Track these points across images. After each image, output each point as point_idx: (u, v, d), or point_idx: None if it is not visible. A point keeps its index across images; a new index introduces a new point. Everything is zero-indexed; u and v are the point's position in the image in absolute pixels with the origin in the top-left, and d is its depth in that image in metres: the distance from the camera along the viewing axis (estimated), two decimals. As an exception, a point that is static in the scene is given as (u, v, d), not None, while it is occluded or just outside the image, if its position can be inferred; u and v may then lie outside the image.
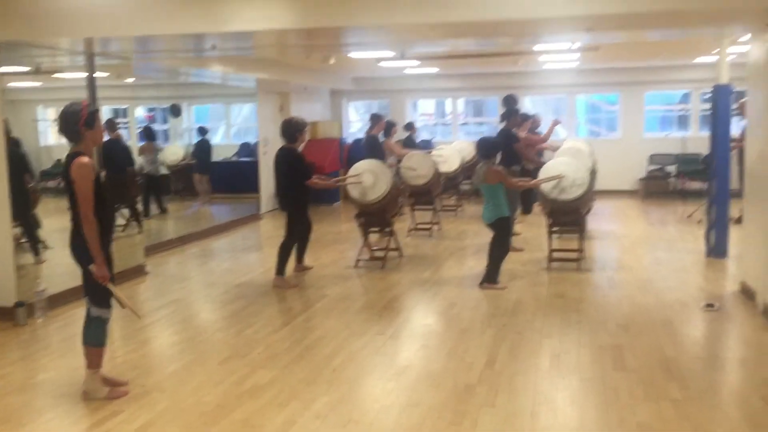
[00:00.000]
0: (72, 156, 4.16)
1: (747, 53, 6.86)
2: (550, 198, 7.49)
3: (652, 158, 14.23)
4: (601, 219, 10.90)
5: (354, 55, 9.79)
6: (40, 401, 4.49)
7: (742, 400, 4.26)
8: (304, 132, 7.34)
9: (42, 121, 11.56)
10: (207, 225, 11.36)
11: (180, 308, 6.73)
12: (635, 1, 5.03)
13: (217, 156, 13.14)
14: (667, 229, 10.25)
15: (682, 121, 15.24)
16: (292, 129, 7.24)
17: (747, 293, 6.38)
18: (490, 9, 5.24)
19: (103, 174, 4.34)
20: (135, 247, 8.48)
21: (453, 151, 11.68)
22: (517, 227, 9.03)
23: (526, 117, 10.25)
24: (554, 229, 7.86)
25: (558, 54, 10.64)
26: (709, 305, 6.17)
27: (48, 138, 11.55)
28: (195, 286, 7.68)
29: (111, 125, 10.17)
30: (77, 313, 6.09)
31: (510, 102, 9.45)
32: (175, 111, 12.69)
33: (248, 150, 13.71)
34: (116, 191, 9.18)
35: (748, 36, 6.75)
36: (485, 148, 7.05)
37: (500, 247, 7.04)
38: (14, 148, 7.20)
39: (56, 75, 9.41)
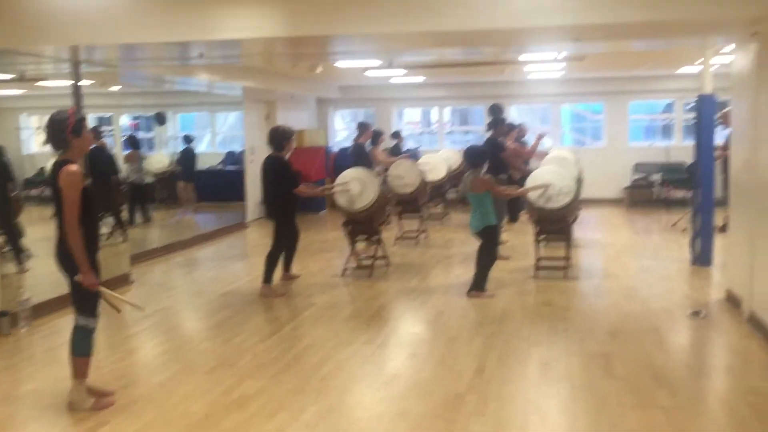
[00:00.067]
0: (60, 164, 4.12)
1: (731, 63, 6.94)
2: (536, 206, 7.51)
3: (637, 167, 14.34)
4: (587, 227, 10.95)
5: (341, 64, 9.80)
6: (25, 412, 4.42)
7: (730, 408, 4.28)
8: (291, 140, 7.33)
9: (25, 129, 11.46)
10: (192, 234, 11.29)
11: (166, 317, 6.67)
12: (622, 11, 5.06)
13: (202, 164, 13.08)
14: (652, 238, 10.31)
15: (666, 131, 15.39)
16: (279, 137, 7.23)
17: (732, 301, 6.44)
18: (478, 18, 5.25)
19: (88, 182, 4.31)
20: (120, 255, 8.40)
21: (439, 159, 11.70)
22: (503, 235, 9.05)
23: (512, 126, 10.31)
24: (541, 237, 7.89)
25: (544, 64, 10.71)
26: (696, 313, 6.21)
27: (31, 146, 11.46)
28: (181, 295, 7.62)
29: (96, 133, 10.09)
30: (61, 323, 6.04)
31: (496, 111, 9.49)
32: (160, 119, 12.62)
33: (234, 158, 13.67)
34: (101, 200, 9.09)
35: (732, 46, 6.83)
36: (472, 156, 7.07)
37: (488, 255, 7.05)
38: (-2, 156, 7.13)
39: (40, 83, 9.33)
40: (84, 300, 4.27)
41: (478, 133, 15.15)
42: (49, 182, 4.21)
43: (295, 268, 7.93)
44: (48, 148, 4.24)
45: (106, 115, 12.31)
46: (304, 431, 3.99)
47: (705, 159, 8.02)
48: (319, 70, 10.39)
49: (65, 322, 5.68)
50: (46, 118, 4.21)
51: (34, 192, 10.24)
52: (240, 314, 6.56)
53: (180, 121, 13.77)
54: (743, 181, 6.28)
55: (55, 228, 4.23)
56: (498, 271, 7.48)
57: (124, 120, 13.00)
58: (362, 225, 8.04)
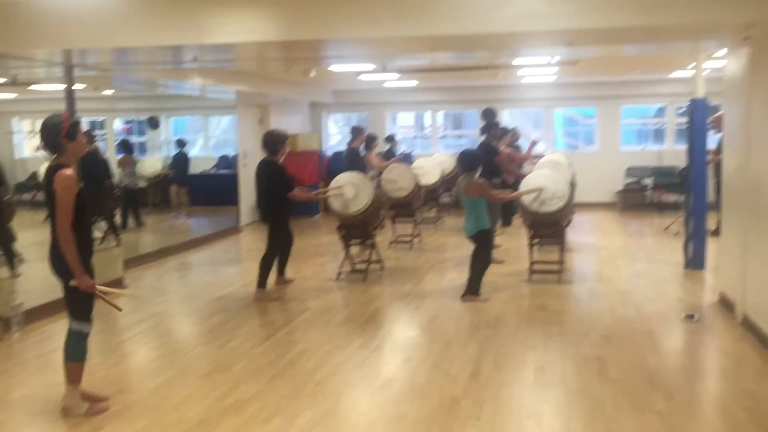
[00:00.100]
0: (54, 168, 4.10)
1: (723, 68, 6.97)
2: (530, 210, 7.52)
3: (629, 171, 14.39)
4: (580, 231, 10.97)
5: (334, 68, 9.80)
6: (17, 418, 4.39)
7: (725, 411, 4.30)
8: (285, 144, 7.32)
9: (17, 133, 11.43)
10: (185, 238, 11.25)
11: (160, 322, 6.64)
12: (615, 16, 5.08)
13: (195, 168, 13.06)
14: (645, 241, 10.35)
15: (658, 135, 15.45)
16: (273, 141, 7.21)
17: (726, 304, 6.46)
18: (471, 22, 5.26)
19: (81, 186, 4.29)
20: (113, 260, 8.36)
21: (433, 163, 11.72)
22: (497, 239, 9.06)
23: (505, 130, 10.33)
24: (535, 241, 7.91)
25: (536, 68, 10.74)
26: (689, 316, 6.23)
27: (23, 150, 11.42)
28: (175, 300, 7.59)
29: (89, 137, 10.06)
30: (54, 328, 6.01)
31: (489, 115, 9.51)
32: (153, 123, 12.60)
33: (227, 162, 13.64)
34: (94, 204, 9.06)
35: (724, 51, 6.87)
36: (466, 161, 7.08)
37: (482, 259, 7.06)
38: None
39: (33, 87, 9.30)
40: (78, 305, 4.25)
41: (472, 137, 15.18)
42: (42, 186, 4.18)
43: (289, 273, 7.92)
44: (40, 152, 4.22)
45: (99, 119, 12.29)
46: (300, 436, 3.98)
47: (697, 163, 8.06)
48: (312, 74, 10.40)
49: (58, 327, 5.66)
50: (38, 122, 4.19)
51: (26, 196, 10.21)
52: (234, 319, 6.54)
53: (173, 125, 13.75)
54: (735, 185, 6.31)
55: (48, 232, 4.21)
56: (492, 275, 7.49)
57: (117, 124, 12.98)
58: (356, 229, 8.03)
